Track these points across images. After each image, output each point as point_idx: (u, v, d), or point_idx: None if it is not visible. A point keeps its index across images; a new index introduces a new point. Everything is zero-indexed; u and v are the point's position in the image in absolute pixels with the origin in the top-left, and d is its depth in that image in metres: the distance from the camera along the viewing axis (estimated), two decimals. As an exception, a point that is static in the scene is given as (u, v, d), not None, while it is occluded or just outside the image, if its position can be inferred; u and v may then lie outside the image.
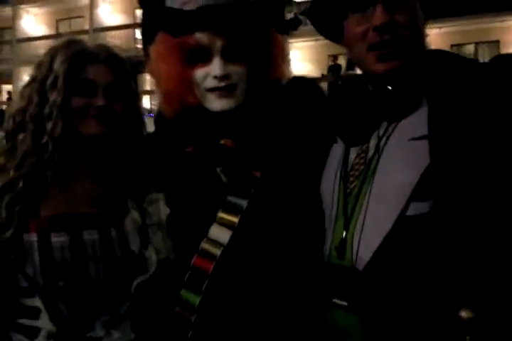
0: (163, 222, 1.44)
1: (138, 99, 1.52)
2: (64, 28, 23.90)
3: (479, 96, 1.17)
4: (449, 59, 1.32)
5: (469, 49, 18.45)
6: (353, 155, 1.34)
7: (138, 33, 21.25)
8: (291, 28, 6.88)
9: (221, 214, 1.41)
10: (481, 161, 1.11)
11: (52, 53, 1.42)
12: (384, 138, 1.27)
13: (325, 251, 1.31)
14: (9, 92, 23.90)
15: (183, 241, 1.43)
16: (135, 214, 1.42)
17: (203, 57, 1.42)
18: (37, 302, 1.31)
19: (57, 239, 1.31)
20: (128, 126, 1.47)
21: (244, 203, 1.41)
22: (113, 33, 22.10)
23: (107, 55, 1.45)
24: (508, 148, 1.11)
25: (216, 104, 1.44)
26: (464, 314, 1.07)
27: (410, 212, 1.15)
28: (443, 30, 17.03)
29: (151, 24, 1.52)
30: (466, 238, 1.10)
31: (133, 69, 1.51)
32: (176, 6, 1.45)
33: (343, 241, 1.25)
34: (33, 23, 24.19)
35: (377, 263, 1.18)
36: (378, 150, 1.27)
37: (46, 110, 1.37)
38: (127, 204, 1.44)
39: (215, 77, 1.42)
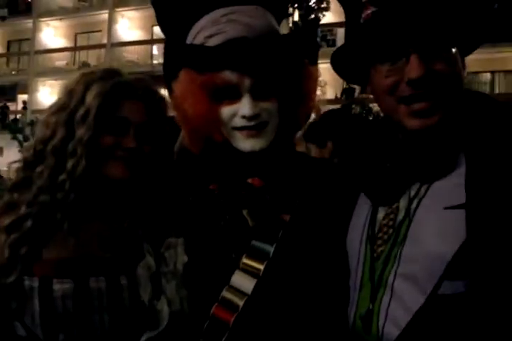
0: (178, 271, 1.30)
1: (169, 141, 1.41)
2: (82, 42, 24.24)
3: None
4: (490, 107, 1.17)
5: (485, 77, 18.43)
6: (381, 215, 1.21)
7: (155, 49, 21.61)
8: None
9: (245, 260, 1.30)
10: None
11: (86, 83, 1.29)
12: (415, 201, 1.14)
13: (349, 317, 1.21)
14: (24, 102, 24.12)
15: (202, 287, 1.31)
16: (150, 260, 1.30)
17: (231, 94, 1.31)
18: (34, 355, 1.18)
19: (59, 287, 1.18)
20: (154, 169, 1.35)
21: (270, 249, 1.30)
22: (130, 48, 22.37)
23: (143, 92, 1.33)
24: None
25: (245, 144, 1.33)
26: None
27: (442, 291, 1.04)
28: (460, 57, 17.07)
29: (174, 60, 1.42)
30: (502, 322, 0.99)
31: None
32: (197, 42, 1.36)
33: (370, 311, 1.14)
34: (52, 35, 24.55)
35: None
36: (409, 215, 1.14)
37: (70, 146, 1.25)
38: (143, 248, 1.32)
39: (244, 117, 1.31)
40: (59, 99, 1.31)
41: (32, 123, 21.30)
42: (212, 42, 1.32)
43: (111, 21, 22.58)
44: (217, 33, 1.32)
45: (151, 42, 21.10)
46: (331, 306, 1.28)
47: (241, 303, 1.26)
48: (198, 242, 1.34)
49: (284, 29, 1.45)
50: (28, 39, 24.48)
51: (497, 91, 18.36)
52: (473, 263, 1.00)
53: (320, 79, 1.49)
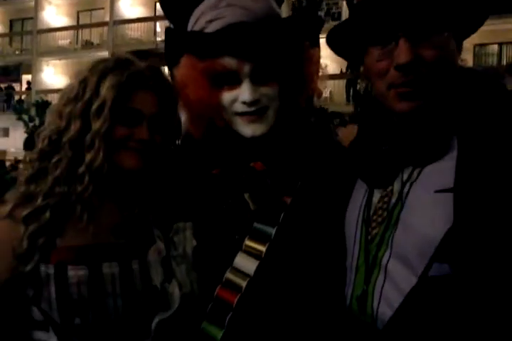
0: (188, 254, 1.34)
1: (178, 130, 1.42)
2: (85, 20, 24.01)
3: None
4: (485, 89, 1.16)
5: (493, 49, 18.18)
6: (376, 198, 1.24)
7: (158, 26, 21.36)
8: None
9: (248, 242, 1.33)
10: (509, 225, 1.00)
11: (100, 73, 1.29)
12: (408, 185, 1.16)
13: (347, 297, 1.25)
14: (28, 82, 24.05)
15: (207, 270, 1.35)
16: (160, 245, 1.33)
17: (231, 80, 1.33)
18: (52, 338, 1.22)
19: (74, 273, 1.22)
20: (165, 159, 1.37)
21: (272, 231, 1.33)
22: (133, 25, 22.14)
23: (155, 81, 1.34)
24: None
25: (246, 129, 1.36)
26: None
27: (432, 273, 1.06)
28: (467, 29, 16.81)
29: (175, 46, 1.43)
30: (489, 303, 1.02)
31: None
32: (198, 27, 1.36)
33: (364, 292, 1.18)
34: (54, 14, 24.30)
35: (398, 322, 1.11)
36: (401, 198, 1.16)
37: (88, 138, 1.26)
38: (153, 234, 1.35)
39: (244, 103, 1.32)
40: (71, 87, 1.31)
41: (37, 104, 21.35)
42: (212, 27, 1.33)
43: (113, -2, 22.34)
44: (216, 18, 1.33)
45: (154, 19, 20.85)
46: (330, 286, 1.31)
47: (244, 284, 1.30)
48: (203, 226, 1.37)
49: (285, 8, 1.44)
50: (30, 18, 24.27)
51: (504, 62, 18.14)
52: (458, 247, 1.02)
53: (321, 61, 1.49)
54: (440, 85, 1.13)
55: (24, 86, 24.50)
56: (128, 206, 1.34)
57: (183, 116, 1.44)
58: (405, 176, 1.18)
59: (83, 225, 1.25)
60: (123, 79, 1.28)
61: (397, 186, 1.19)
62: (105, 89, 1.26)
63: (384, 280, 1.14)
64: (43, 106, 21.44)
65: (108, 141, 1.26)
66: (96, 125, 1.25)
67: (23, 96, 23.99)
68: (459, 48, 1.19)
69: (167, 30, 1.48)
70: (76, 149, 1.27)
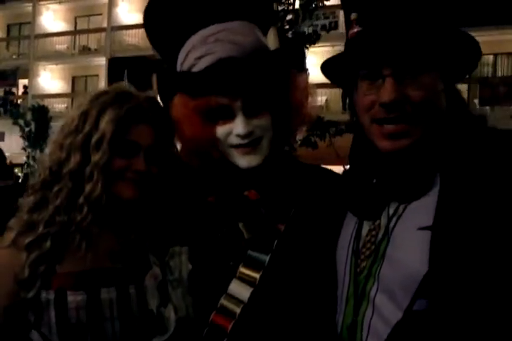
0: (184, 278, 1.38)
1: (175, 161, 1.45)
2: (82, 25, 24.04)
3: (496, 190, 1.07)
4: (470, 131, 1.19)
5: (488, 59, 18.31)
6: (365, 231, 1.27)
7: (155, 33, 21.36)
8: (311, 43, 6.85)
9: (242, 269, 1.36)
10: (483, 267, 1.03)
11: (100, 106, 1.34)
12: (394, 220, 1.19)
13: (338, 323, 1.28)
14: (25, 86, 24.04)
15: (202, 295, 1.38)
16: (157, 270, 1.37)
17: (225, 115, 1.36)
18: (50, 360, 1.26)
19: (73, 298, 1.26)
20: (161, 188, 1.41)
21: (266, 258, 1.36)
22: (130, 31, 22.18)
23: (153, 114, 1.38)
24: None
25: (242, 160, 1.39)
26: None
27: (416, 307, 1.09)
28: (462, 40, 16.92)
29: (167, 86, 1.46)
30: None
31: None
32: (188, 63, 1.39)
33: (354, 322, 1.21)
34: (51, 19, 24.33)
35: None
36: (388, 233, 1.19)
37: (87, 170, 1.30)
38: (149, 259, 1.39)
39: (239, 135, 1.36)
40: (72, 119, 1.36)
41: (33, 109, 21.35)
42: (202, 63, 1.35)
43: (111, 4, 22.36)
44: (206, 54, 1.35)
45: (151, 25, 20.93)
46: (322, 314, 1.34)
47: (238, 310, 1.33)
48: (199, 252, 1.40)
49: (270, 37, 1.47)
50: (27, 23, 24.28)
51: (499, 73, 18.27)
52: (435, 284, 1.06)
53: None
54: (424, 125, 1.16)
55: (21, 90, 24.49)
56: (124, 232, 1.38)
57: (180, 147, 1.48)
58: (391, 211, 1.21)
59: (82, 252, 1.29)
60: (122, 113, 1.32)
61: (384, 220, 1.22)
62: (104, 123, 1.31)
63: (372, 313, 1.18)
64: (39, 110, 21.49)
65: (106, 173, 1.31)
66: (95, 157, 1.30)
67: (19, 101, 23.98)
68: (449, 90, 1.21)
69: (158, 72, 1.52)
70: (76, 180, 1.31)
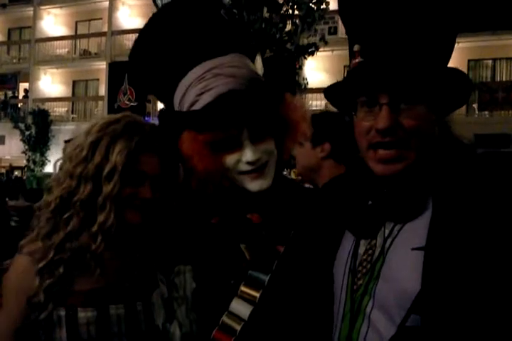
0: (188, 296, 1.43)
1: (179, 189, 1.50)
2: (83, 30, 24.12)
3: (487, 213, 1.14)
4: (462, 156, 1.26)
5: (487, 64, 18.39)
6: (361, 250, 1.33)
7: (156, 37, 21.39)
8: (310, 54, 6.92)
9: (243, 288, 1.42)
10: (473, 287, 1.10)
11: (110, 138, 1.38)
12: (389, 240, 1.26)
13: (333, 340, 1.33)
14: (25, 90, 24.13)
15: (205, 313, 1.43)
16: (163, 288, 1.43)
17: (232, 145, 1.41)
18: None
19: (83, 315, 1.32)
20: (165, 213, 1.47)
21: (265, 278, 1.43)
22: (131, 35, 22.24)
23: (160, 144, 1.43)
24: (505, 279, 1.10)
25: (253, 185, 1.44)
26: None
27: (410, 323, 1.16)
28: (461, 45, 16.94)
29: (171, 126, 1.48)
30: None
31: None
32: (189, 100, 1.43)
33: (349, 338, 1.27)
34: (52, 23, 24.39)
35: None
36: (383, 253, 1.25)
37: (100, 200, 1.35)
38: (156, 277, 1.44)
39: (248, 163, 1.41)
40: (81, 148, 1.39)
41: (33, 112, 21.41)
42: (203, 100, 1.40)
43: (111, 9, 22.47)
44: (206, 90, 1.40)
45: (151, 30, 20.99)
46: (319, 331, 1.39)
47: (238, 328, 1.39)
48: (202, 271, 1.46)
49: (257, 62, 1.54)
50: (28, 27, 24.37)
51: (498, 78, 18.36)
52: (427, 302, 1.13)
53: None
54: (416, 150, 1.24)
55: (21, 94, 24.57)
56: (132, 253, 1.45)
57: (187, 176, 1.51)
58: (387, 231, 1.27)
59: (93, 273, 1.36)
60: (132, 145, 1.37)
61: (379, 240, 1.28)
62: (115, 155, 1.35)
63: (367, 328, 1.24)
64: (39, 114, 21.57)
65: (117, 202, 1.36)
66: (107, 188, 1.34)
67: (19, 105, 24.05)
68: (441, 120, 1.29)
69: (160, 113, 1.57)
70: (87, 209, 1.36)
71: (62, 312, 1.32)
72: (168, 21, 1.50)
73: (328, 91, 1.38)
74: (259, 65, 1.53)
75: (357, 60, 1.28)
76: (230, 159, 1.42)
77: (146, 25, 1.56)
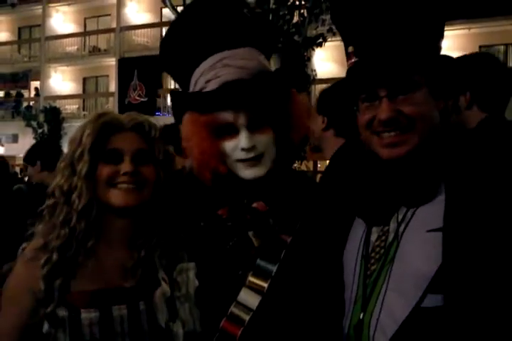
0: (191, 294, 1.44)
1: (171, 164, 1.52)
2: (92, 26, 24.21)
3: (500, 190, 1.20)
4: (470, 140, 1.35)
5: (498, 50, 18.16)
6: (374, 237, 1.37)
7: (164, 32, 21.44)
8: (317, 45, 6.93)
9: (251, 279, 1.45)
10: (494, 261, 1.15)
11: (82, 128, 1.45)
12: (403, 225, 1.30)
13: (344, 327, 1.37)
14: (37, 88, 24.30)
15: (213, 304, 1.45)
16: (165, 287, 1.43)
17: (230, 131, 1.47)
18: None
19: (86, 316, 1.32)
20: (161, 192, 1.47)
21: (273, 268, 1.45)
22: (139, 31, 22.30)
23: (134, 123, 1.46)
24: None
25: (246, 173, 1.50)
26: None
27: (425, 304, 1.20)
28: (472, 31, 16.79)
29: (180, 106, 1.60)
30: (476, 334, 1.15)
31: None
32: (199, 86, 1.52)
33: (361, 322, 1.30)
34: (61, 21, 24.50)
35: None
36: (397, 237, 1.30)
37: (74, 181, 1.40)
38: (158, 276, 1.44)
39: (243, 149, 1.47)
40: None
41: (45, 110, 21.57)
42: (211, 86, 1.48)
43: (119, 5, 22.50)
44: (214, 78, 1.48)
45: (160, 25, 21.00)
46: (328, 319, 1.42)
47: (247, 318, 1.41)
48: (209, 263, 1.48)
49: (273, 62, 1.61)
50: (38, 25, 24.53)
51: (511, 64, 18.13)
52: (448, 281, 1.17)
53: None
54: (419, 134, 1.30)
55: (33, 92, 24.75)
56: (134, 247, 1.45)
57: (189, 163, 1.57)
58: (400, 216, 1.32)
59: (92, 270, 1.37)
60: (98, 126, 1.42)
61: (393, 226, 1.33)
62: (85, 137, 1.41)
63: (380, 310, 1.27)
64: (51, 112, 21.73)
65: (93, 182, 1.39)
66: (79, 168, 1.39)
67: (31, 103, 24.24)
68: (444, 106, 1.37)
69: (172, 93, 1.65)
70: (67, 195, 1.40)
71: (65, 313, 1.33)
72: (193, 15, 1.62)
73: (324, 96, 1.46)
74: (274, 64, 1.57)
75: (352, 60, 1.37)
76: (228, 145, 1.48)
77: (177, 17, 1.79)
